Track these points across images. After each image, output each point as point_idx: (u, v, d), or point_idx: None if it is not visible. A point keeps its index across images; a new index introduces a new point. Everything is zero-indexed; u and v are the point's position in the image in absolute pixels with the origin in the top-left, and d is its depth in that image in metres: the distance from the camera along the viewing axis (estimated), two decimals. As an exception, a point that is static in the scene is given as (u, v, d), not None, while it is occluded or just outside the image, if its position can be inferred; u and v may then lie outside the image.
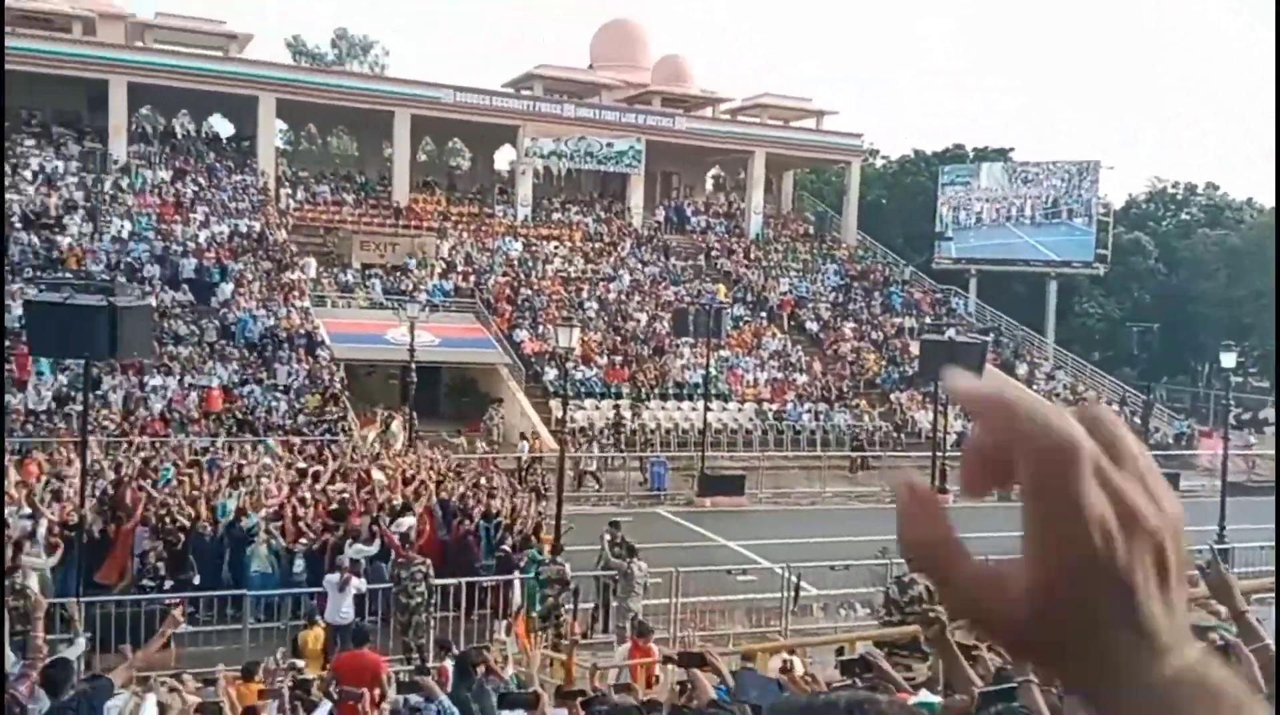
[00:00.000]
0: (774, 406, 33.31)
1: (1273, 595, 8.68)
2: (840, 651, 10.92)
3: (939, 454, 24.92)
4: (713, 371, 30.96)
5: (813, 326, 39.76)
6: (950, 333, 26.86)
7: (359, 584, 13.99)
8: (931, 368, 20.07)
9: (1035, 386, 38.44)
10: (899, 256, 47.49)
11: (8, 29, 35.93)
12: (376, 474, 18.76)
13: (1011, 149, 52.65)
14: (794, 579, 16.91)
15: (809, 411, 33.42)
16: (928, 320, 39.61)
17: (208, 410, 25.80)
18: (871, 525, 21.57)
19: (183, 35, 39.06)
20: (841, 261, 45.14)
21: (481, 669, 9.29)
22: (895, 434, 33.46)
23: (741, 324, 37.59)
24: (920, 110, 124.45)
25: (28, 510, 14.76)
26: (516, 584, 15.55)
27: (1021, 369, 39.48)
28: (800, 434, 32.44)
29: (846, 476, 29.44)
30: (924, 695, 5.87)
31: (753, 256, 43.34)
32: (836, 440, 32.41)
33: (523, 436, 27.83)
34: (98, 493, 16.18)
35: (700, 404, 29.48)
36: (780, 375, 35.58)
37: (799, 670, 10.25)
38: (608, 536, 16.35)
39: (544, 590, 15.19)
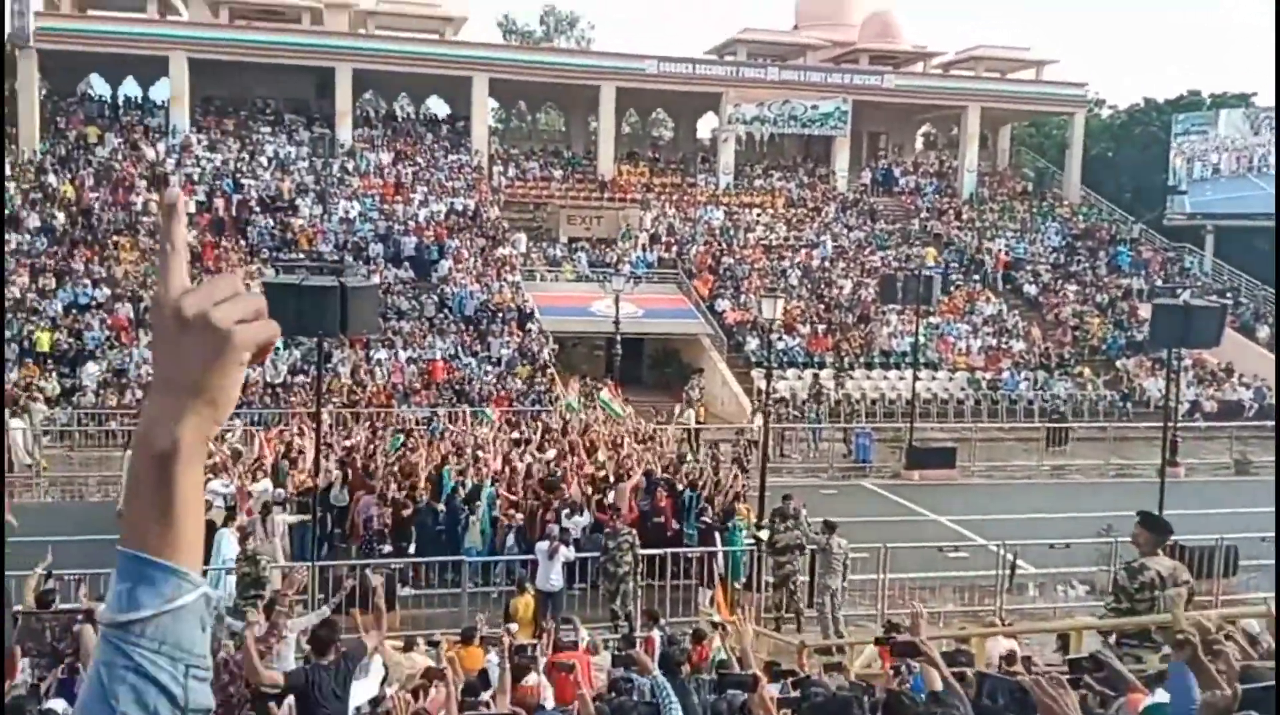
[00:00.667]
0: (988, 375, 32.08)
1: None
2: (1064, 641, 10.45)
3: (1170, 425, 23.35)
4: (922, 339, 30.06)
5: (1031, 290, 37.97)
6: (1185, 295, 25.03)
7: (567, 552, 14.40)
8: (1164, 334, 18.71)
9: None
10: (1127, 213, 44.63)
11: (244, 23, 38.62)
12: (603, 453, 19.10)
13: (1254, 94, 48.42)
14: (1010, 556, 16.28)
15: (1026, 380, 32.02)
16: (1159, 281, 37.09)
17: (429, 381, 27.08)
18: (1093, 501, 20.63)
19: (402, 20, 40.86)
20: (1063, 220, 42.85)
21: (686, 667, 9.38)
22: (1121, 403, 31.62)
23: (953, 289, 36.30)
24: (1151, 55, 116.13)
25: (266, 481, 15.94)
26: (720, 554, 15.61)
27: (1263, 332, 36.47)
28: (1016, 404, 31.11)
29: (1066, 449, 28.03)
30: (1159, 695, 5.50)
31: (966, 217, 41.71)
32: (1055, 411, 30.93)
33: (688, 404, 27.85)
34: (334, 462, 17.29)
35: (908, 373, 28.71)
36: (995, 342, 34.21)
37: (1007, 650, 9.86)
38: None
39: (780, 557, 15.24)
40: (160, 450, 1.11)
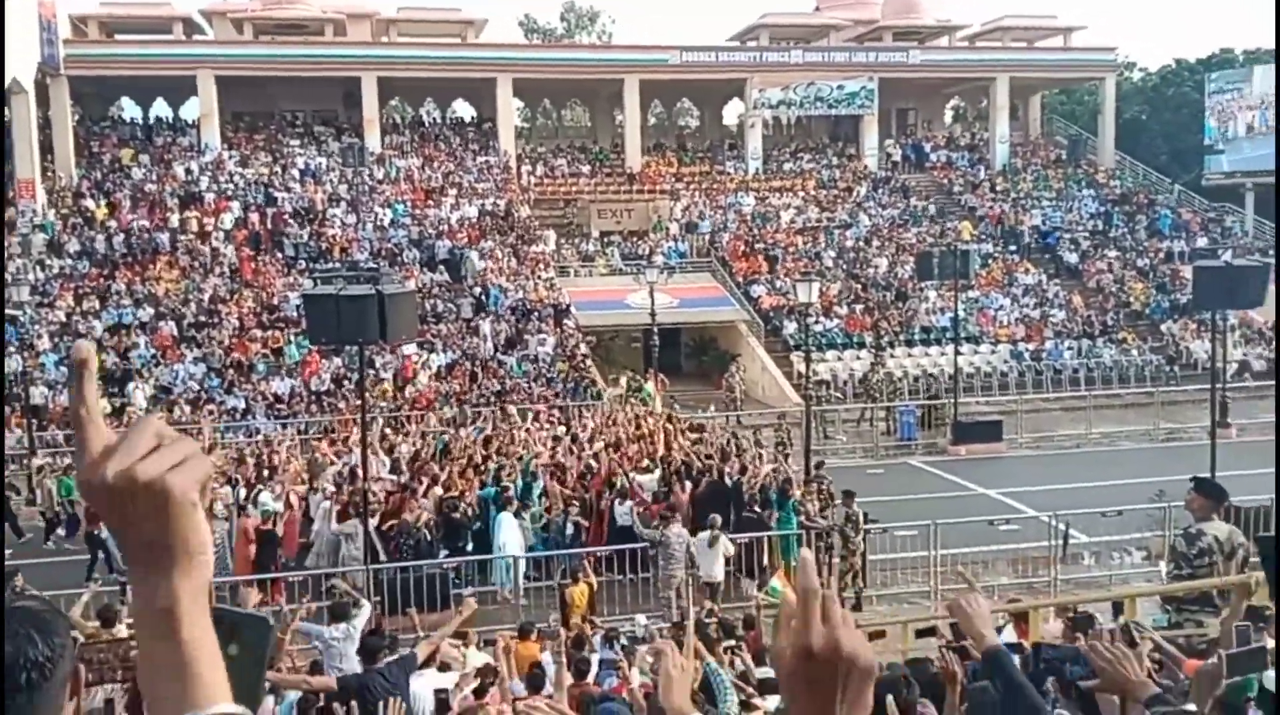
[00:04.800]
0: (1030, 346, 31.77)
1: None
2: (1118, 608, 10.35)
3: (1218, 386, 23.01)
4: (961, 313, 29.83)
5: (1070, 258, 37.55)
6: (1226, 255, 24.68)
7: (727, 544, 14.40)
8: (1207, 295, 18.45)
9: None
10: (1163, 175, 43.98)
11: (269, 38, 39.03)
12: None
13: (1289, 46, 47.50)
14: (1062, 527, 16.14)
15: (1070, 349, 31.68)
16: (1200, 242, 36.58)
17: (467, 382, 27.26)
18: (1144, 467, 20.40)
19: (424, 26, 41.10)
20: (1099, 186, 42.31)
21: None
22: (1168, 367, 31.21)
23: (990, 262, 35.98)
24: (1181, 14, 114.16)
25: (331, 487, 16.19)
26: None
27: (1313, 288, 35.80)
28: (1061, 373, 30.80)
29: (1113, 416, 27.70)
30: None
31: (999, 189, 41.30)
32: (1102, 378, 30.58)
33: (728, 387, 27.94)
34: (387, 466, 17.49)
35: (949, 348, 28.49)
36: (1036, 312, 33.87)
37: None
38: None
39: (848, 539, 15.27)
40: (159, 608, 1.10)
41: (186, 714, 1.10)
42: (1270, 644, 4.10)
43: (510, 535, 15.19)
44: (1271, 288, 34.98)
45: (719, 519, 14.67)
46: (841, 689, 1.16)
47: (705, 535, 14.43)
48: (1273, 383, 29.36)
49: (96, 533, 16.12)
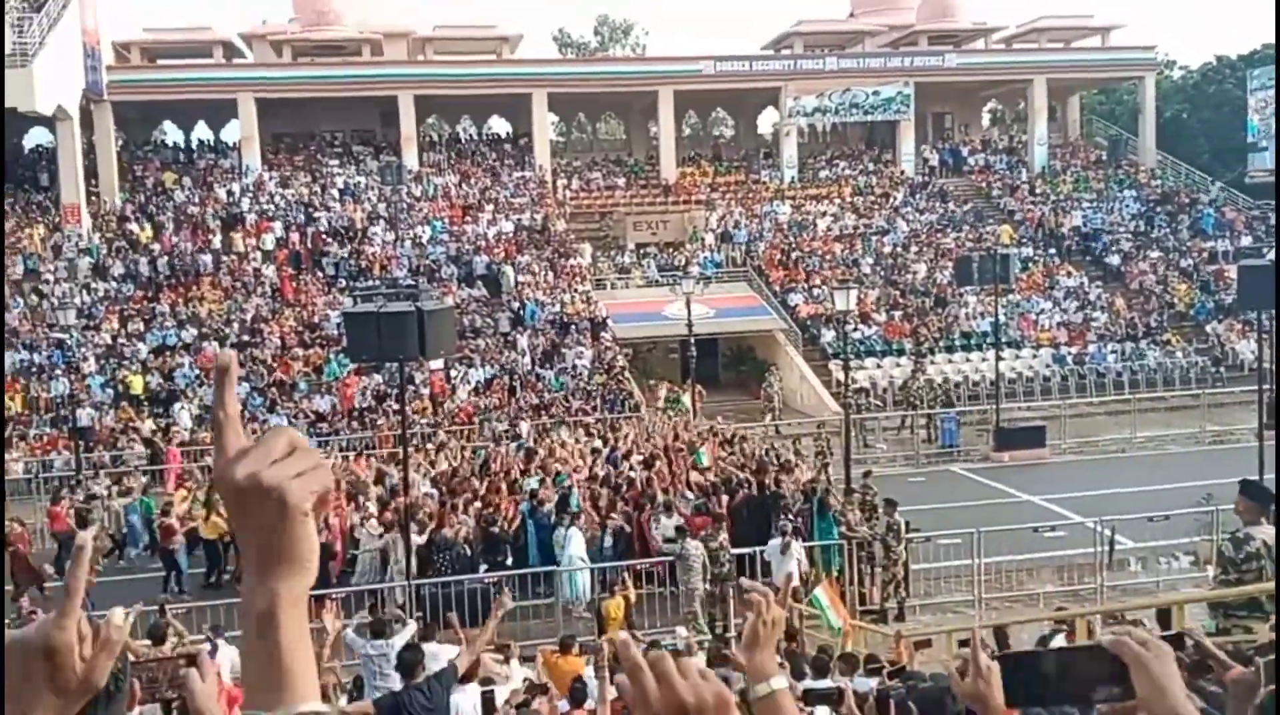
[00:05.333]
0: (1073, 350, 31.40)
1: None
2: (1165, 615, 10.19)
3: (1266, 387, 22.59)
4: (1002, 318, 29.56)
5: (1112, 260, 37.09)
6: (1271, 254, 24.24)
7: (799, 549, 14.42)
8: (1253, 295, 18.15)
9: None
10: (1206, 174, 43.34)
11: (307, 60, 39.55)
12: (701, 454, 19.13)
13: (1333, 39, 46.69)
14: (1108, 533, 15.93)
15: (1113, 352, 31.28)
16: (1245, 241, 35.98)
17: (505, 397, 27.38)
18: (1191, 470, 20.08)
19: (459, 44, 41.48)
20: (1141, 186, 41.78)
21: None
22: (1214, 368, 30.72)
23: (1030, 265, 35.64)
24: (1222, 11, 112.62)
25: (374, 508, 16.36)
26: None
27: (1364, 285, 35.09)
28: (1105, 377, 30.41)
29: (1158, 419, 27.29)
30: None
31: (1039, 191, 40.90)
32: (1146, 381, 30.16)
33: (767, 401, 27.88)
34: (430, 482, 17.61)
35: (990, 354, 28.24)
36: (1078, 316, 33.48)
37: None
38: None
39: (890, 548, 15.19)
40: (260, 611, 1.18)
41: (277, 710, 1.17)
42: None
43: (579, 548, 15.16)
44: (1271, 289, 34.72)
45: (789, 525, 14.74)
46: None
47: (777, 542, 14.46)
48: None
49: (172, 550, 16.51)
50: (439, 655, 10.22)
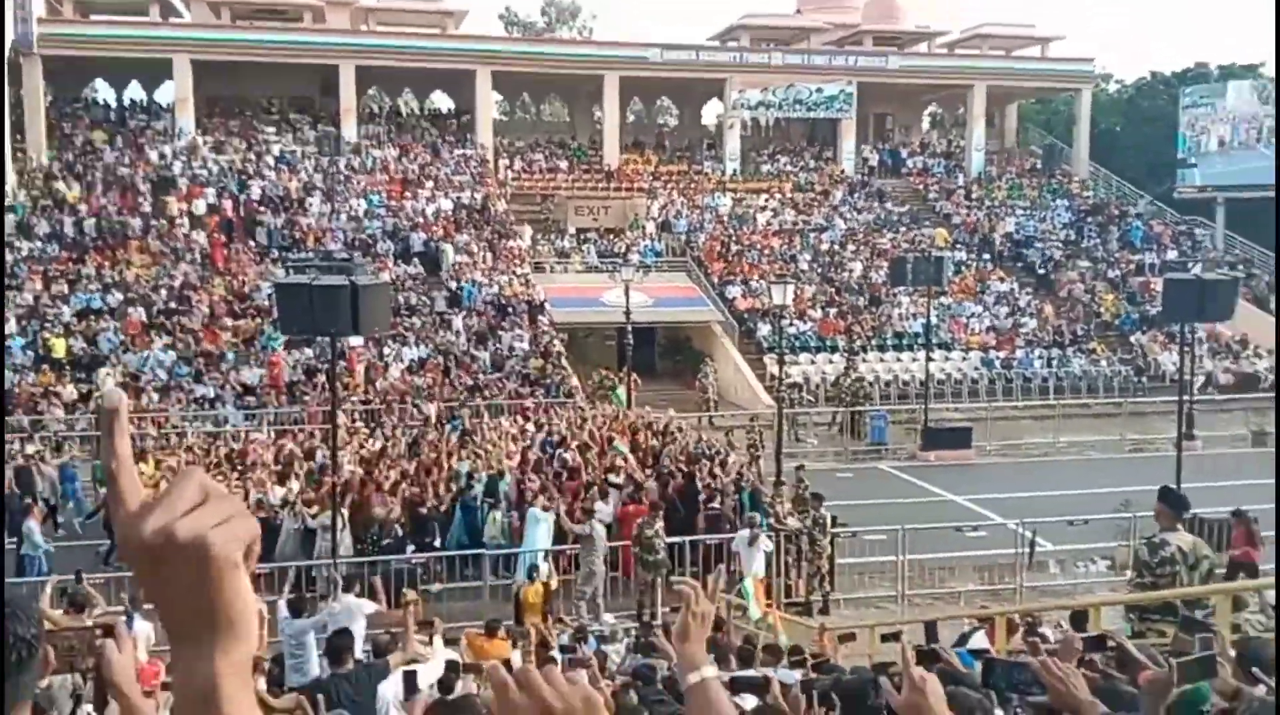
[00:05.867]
0: (1001, 354, 32.00)
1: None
2: (1079, 617, 10.42)
3: (1185, 398, 23.26)
4: (934, 320, 30.01)
5: (1043, 268, 37.84)
6: (1196, 268, 24.95)
7: (767, 543, 14.53)
8: (1177, 308, 18.68)
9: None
10: (1136, 188, 44.39)
11: (246, 23, 38.68)
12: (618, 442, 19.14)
13: (1262, 64, 48.03)
14: (1028, 534, 16.28)
15: (1040, 357, 31.94)
16: (1171, 255, 36.98)
17: (439, 377, 27.12)
18: (1111, 476, 20.58)
19: (403, 16, 40.81)
20: (1073, 196, 42.67)
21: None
22: (1136, 378, 31.54)
23: (963, 269, 36.22)
24: (1157, 28, 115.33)
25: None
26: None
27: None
28: (1031, 382, 31.04)
29: (1081, 425, 27.95)
30: None
31: (974, 196, 41.56)
32: (1071, 387, 30.85)
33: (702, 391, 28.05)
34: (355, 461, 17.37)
35: (921, 354, 28.66)
36: (1007, 321, 34.12)
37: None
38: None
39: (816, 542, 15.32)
40: (198, 689, 1.01)
41: None
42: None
43: (544, 536, 15.00)
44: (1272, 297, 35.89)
45: (758, 517, 14.94)
46: None
47: (745, 533, 14.59)
48: (1237, 396, 29.80)
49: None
50: (360, 608, 10.17)
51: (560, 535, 15.13)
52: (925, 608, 15.20)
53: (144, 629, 10.39)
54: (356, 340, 25.42)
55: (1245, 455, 25.21)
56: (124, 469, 1.05)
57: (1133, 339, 33.90)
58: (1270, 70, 46.03)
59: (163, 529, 0.98)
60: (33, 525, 15.62)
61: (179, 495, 1.00)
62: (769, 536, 14.81)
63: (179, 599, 1.00)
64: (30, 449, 19.48)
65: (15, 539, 15.73)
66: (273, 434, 20.80)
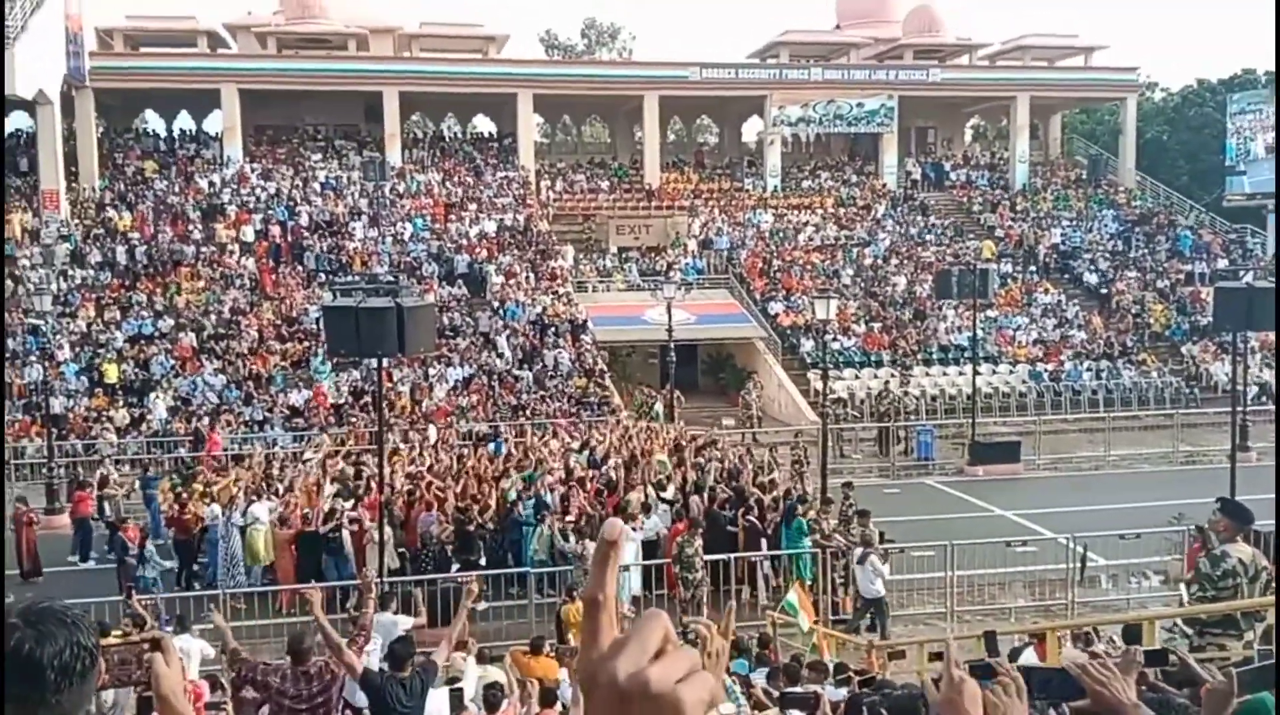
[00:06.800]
0: (1049, 366, 31.62)
1: None
2: (1131, 632, 10.24)
3: (1239, 409, 22.82)
4: (980, 333, 29.74)
5: (1090, 278, 37.39)
6: (1247, 277, 24.52)
7: (877, 561, 14.53)
8: (1227, 317, 18.36)
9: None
10: (1185, 196, 43.80)
11: (292, 53, 39.37)
12: (659, 455, 19.16)
13: (1311, 68, 47.31)
14: (1079, 549, 16.03)
15: (1089, 370, 31.51)
16: (1221, 264, 36.34)
17: (484, 397, 27.29)
18: (1163, 490, 20.25)
19: (446, 42, 41.36)
20: (1120, 206, 42.16)
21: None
22: (1188, 389, 31.02)
23: (1009, 281, 35.88)
24: (1203, 35, 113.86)
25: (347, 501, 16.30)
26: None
27: (1336, 311, 35.53)
28: (1080, 394, 30.62)
29: (1132, 438, 27.52)
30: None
31: (1019, 208, 41.20)
32: (1121, 399, 30.40)
33: (745, 408, 28.00)
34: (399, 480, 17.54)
35: (968, 368, 28.39)
36: (1055, 333, 33.73)
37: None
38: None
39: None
40: None
41: None
42: None
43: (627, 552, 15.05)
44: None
45: (875, 534, 15.04)
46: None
47: (858, 552, 14.66)
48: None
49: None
50: (396, 624, 10.29)
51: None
52: (975, 624, 15.01)
53: (194, 646, 10.55)
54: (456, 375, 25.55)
55: (1303, 465, 24.67)
56: (608, 604, 1.01)
57: (1183, 349, 33.36)
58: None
59: (637, 676, 0.94)
60: (151, 548, 15.72)
61: (648, 640, 0.97)
62: (880, 555, 14.74)
63: None
64: (100, 474, 19.89)
65: (116, 556, 15.93)
66: (322, 454, 20.99)
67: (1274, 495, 11.22)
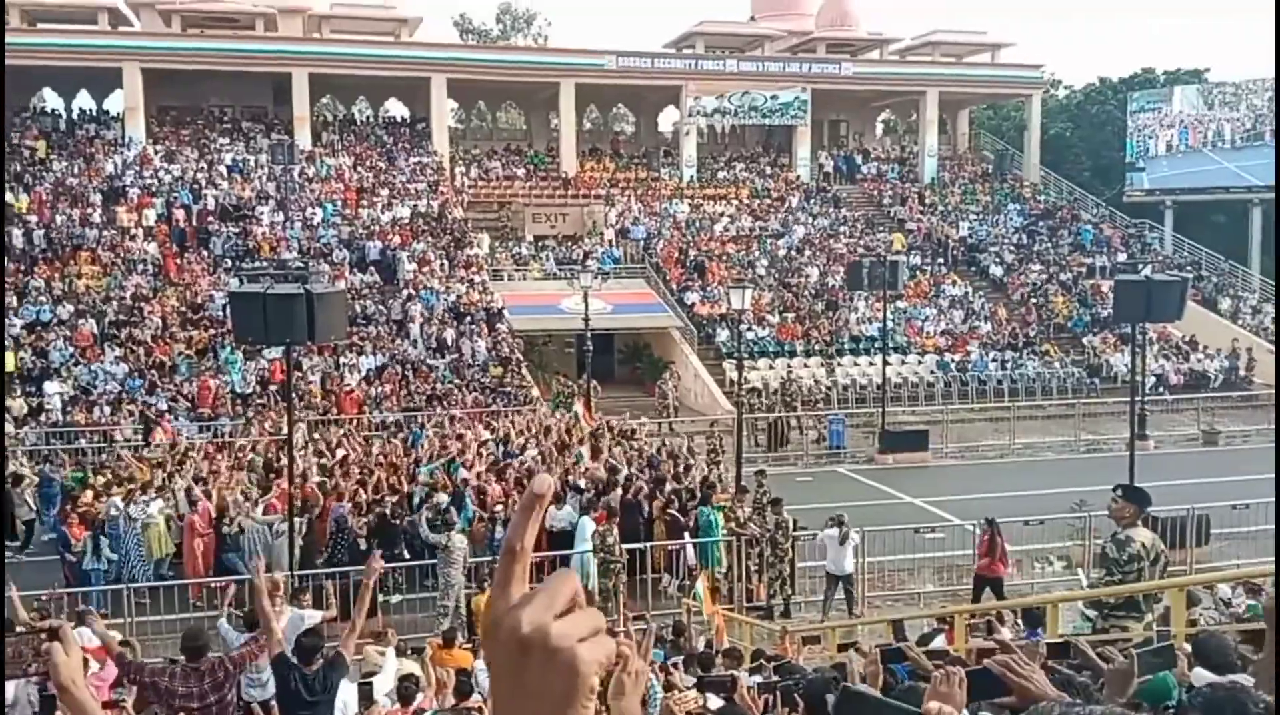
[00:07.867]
0: (956, 357, 32.34)
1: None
2: (1034, 616, 10.52)
3: (1137, 398, 23.64)
4: (890, 324, 30.26)
5: (996, 271, 38.32)
6: (1146, 270, 25.38)
7: (855, 537, 15.19)
8: (1127, 309, 18.99)
9: (1241, 321, 36.06)
10: (1086, 192, 45.12)
11: (198, 31, 38.25)
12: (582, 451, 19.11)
13: (1207, 69, 49.12)
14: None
15: (995, 360, 32.31)
16: (1121, 258, 37.58)
17: (396, 386, 26.91)
18: (1065, 477, 20.86)
19: (357, 23, 40.52)
20: (1024, 201, 43.27)
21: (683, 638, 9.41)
22: (1089, 379, 32.00)
23: (919, 273, 36.57)
24: (1104, 35, 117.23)
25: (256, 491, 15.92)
26: (689, 546, 15.59)
27: (1225, 304, 37.02)
28: (986, 384, 31.39)
29: (1036, 427, 28.30)
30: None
31: (928, 202, 42.00)
32: (1025, 389, 31.24)
33: (661, 394, 28.19)
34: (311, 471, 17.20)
35: (878, 358, 28.91)
36: (962, 324, 34.50)
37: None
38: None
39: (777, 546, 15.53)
40: None
41: None
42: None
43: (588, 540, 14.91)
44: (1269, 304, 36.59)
45: (845, 515, 15.56)
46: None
47: (835, 531, 15.13)
48: (1188, 396, 30.33)
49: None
50: (304, 618, 10.10)
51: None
52: (885, 610, 15.31)
53: (94, 641, 10.22)
54: (275, 352, 24.81)
55: (1197, 454, 25.72)
56: (524, 555, 1.00)
57: (1085, 341, 34.39)
58: (1214, 75, 47.07)
59: (541, 627, 0.94)
60: (103, 538, 15.29)
61: (556, 595, 0.97)
62: (857, 533, 15.37)
63: (533, 703, 0.96)
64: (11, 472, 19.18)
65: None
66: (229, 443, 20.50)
67: (1274, 493, 11.69)
